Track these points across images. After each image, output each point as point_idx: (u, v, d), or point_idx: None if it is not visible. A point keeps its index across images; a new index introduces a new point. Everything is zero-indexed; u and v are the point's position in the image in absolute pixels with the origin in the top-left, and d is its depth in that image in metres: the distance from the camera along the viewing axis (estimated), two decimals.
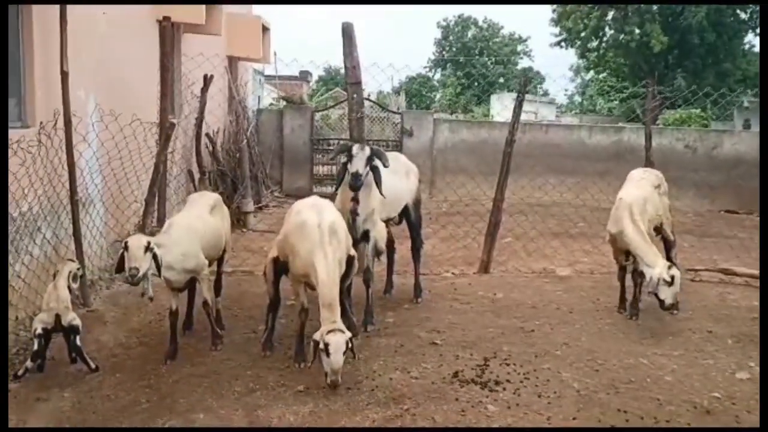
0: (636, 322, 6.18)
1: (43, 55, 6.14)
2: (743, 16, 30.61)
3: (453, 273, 8.05)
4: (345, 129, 17.46)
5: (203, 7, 9.21)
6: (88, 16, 6.98)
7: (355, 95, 7.87)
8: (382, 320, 6.15)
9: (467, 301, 6.79)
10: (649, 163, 8.36)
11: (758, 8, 30.23)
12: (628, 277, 6.42)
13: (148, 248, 4.78)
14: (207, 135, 11.10)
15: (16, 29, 5.88)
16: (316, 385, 4.68)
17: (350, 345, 4.56)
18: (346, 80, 8.04)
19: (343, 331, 4.54)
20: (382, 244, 6.31)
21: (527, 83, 8.15)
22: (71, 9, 6.22)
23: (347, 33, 7.79)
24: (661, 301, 5.75)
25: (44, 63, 6.17)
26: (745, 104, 30.08)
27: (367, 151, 5.67)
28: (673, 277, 5.70)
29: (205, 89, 10.20)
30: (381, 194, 5.85)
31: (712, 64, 30.95)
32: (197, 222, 5.51)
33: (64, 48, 6.14)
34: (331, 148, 16.53)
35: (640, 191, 6.41)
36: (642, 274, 5.94)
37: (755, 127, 22.64)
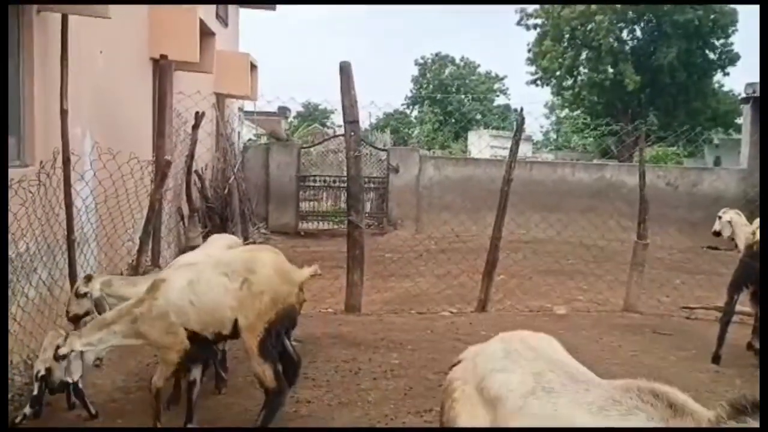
0: (641, 361, 6.18)
1: (42, 93, 6.06)
2: (712, 56, 31.54)
3: (451, 311, 8.01)
4: (328, 165, 17.54)
5: (197, 45, 9.21)
6: (85, 53, 6.91)
7: (353, 133, 7.89)
8: (387, 362, 6.06)
9: (471, 341, 6.66)
10: (643, 202, 8.44)
11: (727, 50, 31.28)
12: None
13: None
14: (196, 172, 11.01)
15: (17, 66, 5.81)
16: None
17: None
18: (344, 118, 8.05)
19: None
20: None
21: (523, 123, 8.23)
22: (70, 47, 6.16)
23: (345, 72, 7.84)
24: None
25: (43, 101, 6.08)
26: (715, 142, 30.91)
27: None
28: None
29: (196, 127, 10.14)
30: None
31: (683, 103, 31.69)
32: None
33: (65, 86, 6.07)
34: (316, 184, 16.56)
35: None
36: None
37: (726, 164, 23.21)
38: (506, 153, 11.29)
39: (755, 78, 15.92)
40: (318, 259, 11.03)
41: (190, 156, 10.34)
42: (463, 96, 47.55)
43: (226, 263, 4.36)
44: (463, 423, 2.64)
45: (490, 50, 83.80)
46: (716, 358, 6.28)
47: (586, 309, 8.33)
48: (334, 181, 16.16)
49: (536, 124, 42.61)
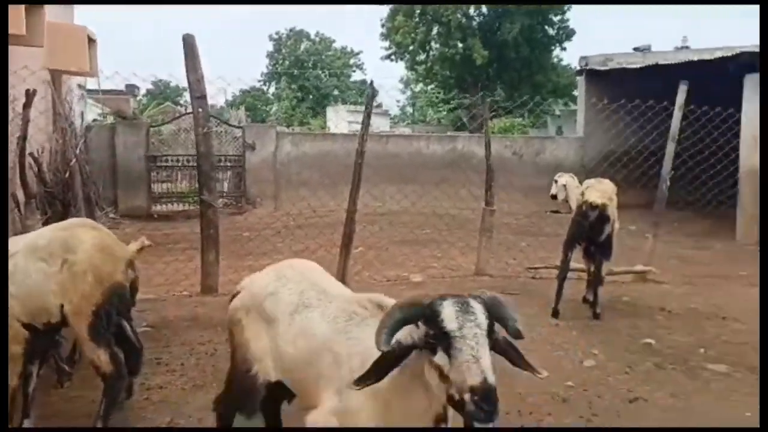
0: None
1: None
2: (551, 32, 33.47)
3: None
4: (181, 144, 16.87)
5: (23, 15, 8.43)
6: None
7: (200, 109, 7.61)
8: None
9: None
10: (489, 171, 8.86)
11: (564, 26, 33.35)
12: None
13: None
14: (30, 155, 10.15)
15: None
16: (180, 415, 4.47)
17: None
18: (191, 94, 7.74)
19: None
20: None
21: (374, 96, 8.32)
22: None
23: (189, 45, 7.52)
24: None
25: None
26: (557, 113, 33.05)
27: (478, 310, 2.27)
28: None
29: (27, 105, 9.33)
30: None
31: (527, 77, 33.43)
32: None
33: None
34: (168, 164, 15.87)
35: None
36: None
37: (567, 134, 24.84)
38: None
39: (588, 52, 17.16)
40: (171, 242, 10.69)
41: (23, 137, 9.50)
42: (320, 72, 47.36)
43: (41, 247, 3.99)
44: (252, 344, 3.11)
45: (344, 25, 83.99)
46: (555, 313, 6.77)
47: (440, 275, 8.65)
48: (188, 161, 15.58)
49: (391, 98, 43.28)
